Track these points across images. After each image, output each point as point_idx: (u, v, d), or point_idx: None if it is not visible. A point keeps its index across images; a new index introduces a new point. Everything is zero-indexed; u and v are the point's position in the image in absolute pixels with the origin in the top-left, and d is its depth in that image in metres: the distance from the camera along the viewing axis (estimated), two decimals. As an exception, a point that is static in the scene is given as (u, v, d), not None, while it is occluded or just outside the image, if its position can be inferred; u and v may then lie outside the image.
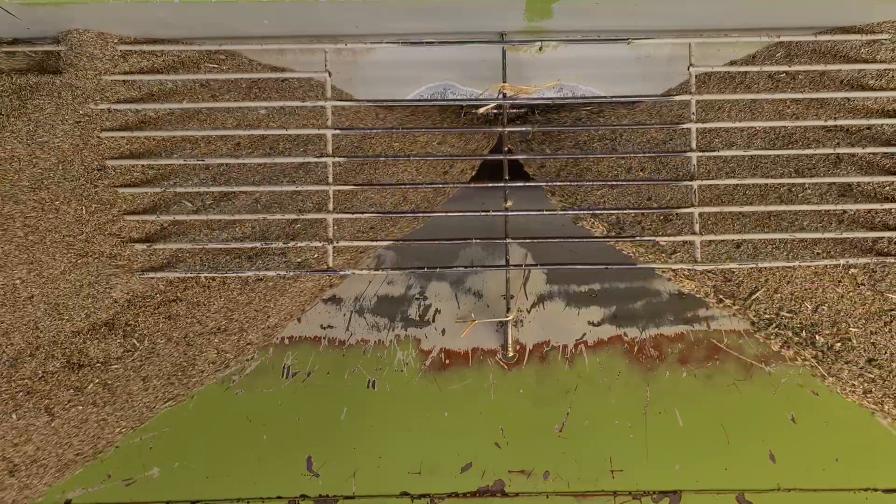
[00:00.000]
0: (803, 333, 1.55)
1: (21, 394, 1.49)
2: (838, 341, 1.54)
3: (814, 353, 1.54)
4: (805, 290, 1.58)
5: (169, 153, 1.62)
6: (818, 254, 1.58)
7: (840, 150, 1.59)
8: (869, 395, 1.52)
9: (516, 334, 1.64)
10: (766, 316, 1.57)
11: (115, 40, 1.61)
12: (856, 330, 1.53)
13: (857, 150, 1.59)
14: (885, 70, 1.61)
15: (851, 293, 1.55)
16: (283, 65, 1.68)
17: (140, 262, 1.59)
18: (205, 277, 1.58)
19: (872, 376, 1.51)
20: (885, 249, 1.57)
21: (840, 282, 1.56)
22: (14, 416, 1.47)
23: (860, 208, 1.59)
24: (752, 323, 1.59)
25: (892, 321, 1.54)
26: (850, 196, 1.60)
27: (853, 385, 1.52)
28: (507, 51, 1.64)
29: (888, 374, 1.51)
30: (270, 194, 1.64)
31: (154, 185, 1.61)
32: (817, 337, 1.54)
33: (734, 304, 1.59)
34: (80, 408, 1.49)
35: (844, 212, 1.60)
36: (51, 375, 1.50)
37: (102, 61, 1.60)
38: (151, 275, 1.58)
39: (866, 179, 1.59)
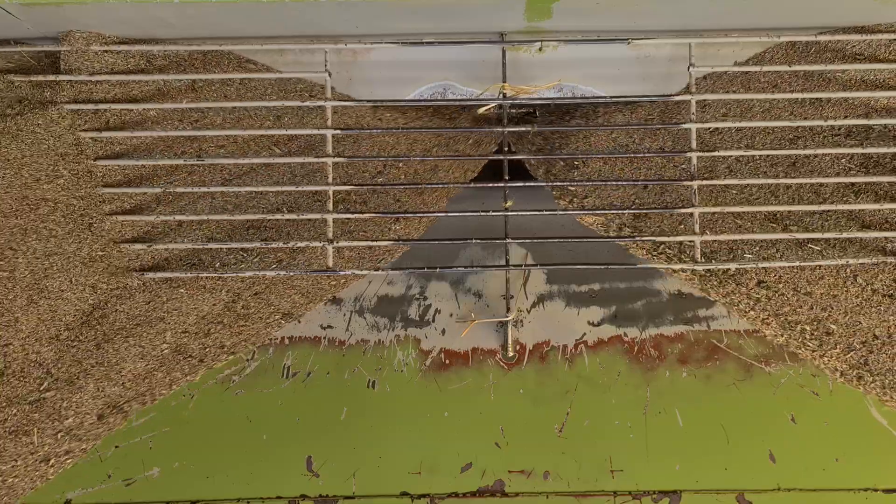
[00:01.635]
0: (702, 259, 1.59)
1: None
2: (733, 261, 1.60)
3: (702, 272, 1.60)
4: (707, 220, 1.62)
5: (169, 153, 1.63)
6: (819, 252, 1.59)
7: (841, 150, 1.59)
8: (752, 312, 1.58)
9: (516, 334, 1.64)
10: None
11: (116, 40, 1.61)
12: (750, 256, 1.58)
13: (857, 150, 1.59)
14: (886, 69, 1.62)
15: (751, 223, 1.61)
16: (283, 65, 1.68)
17: (139, 260, 1.60)
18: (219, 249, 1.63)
19: (759, 296, 1.57)
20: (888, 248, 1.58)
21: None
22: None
23: (859, 208, 1.59)
24: (653, 248, 1.63)
25: (786, 250, 1.59)
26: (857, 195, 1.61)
27: (731, 297, 1.59)
28: (507, 51, 1.64)
29: (774, 294, 1.58)
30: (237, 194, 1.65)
31: (153, 185, 1.61)
32: (714, 262, 1.59)
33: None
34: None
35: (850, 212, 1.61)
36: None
37: (102, 61, 1.60)
38: (151, 275, 1.58)
39: (866, 179, 1.59)
